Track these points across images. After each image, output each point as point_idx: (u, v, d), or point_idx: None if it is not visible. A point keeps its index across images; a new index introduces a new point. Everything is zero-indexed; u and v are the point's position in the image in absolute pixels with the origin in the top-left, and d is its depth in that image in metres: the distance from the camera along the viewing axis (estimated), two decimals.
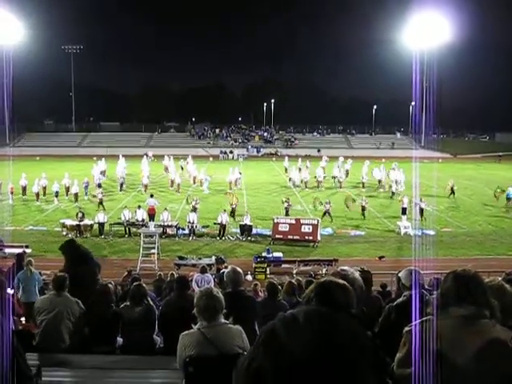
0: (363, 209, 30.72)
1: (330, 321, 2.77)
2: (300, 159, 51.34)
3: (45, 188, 36.77)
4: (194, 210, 28.55)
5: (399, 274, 5.77)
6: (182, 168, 48.15)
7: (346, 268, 3.77)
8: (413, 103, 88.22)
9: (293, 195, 38.45)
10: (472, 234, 27.72)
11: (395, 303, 5.24)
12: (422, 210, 29.44)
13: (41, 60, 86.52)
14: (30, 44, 70.34)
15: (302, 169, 45.62)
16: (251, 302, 6.87)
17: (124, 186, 41.10)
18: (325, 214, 29.68)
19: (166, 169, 47.90)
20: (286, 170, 50.78)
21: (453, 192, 36.73)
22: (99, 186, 38.36)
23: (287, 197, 32.62)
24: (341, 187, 42.05)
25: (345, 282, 3.05)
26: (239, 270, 6.98)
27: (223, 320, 4.59)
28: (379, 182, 42.51)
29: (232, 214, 29.80)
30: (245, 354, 3.01)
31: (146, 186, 40.09)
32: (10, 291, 8.03)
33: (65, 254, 8.05)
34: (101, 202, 32.56)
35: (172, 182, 41.74)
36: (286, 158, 55.51)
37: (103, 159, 46.08)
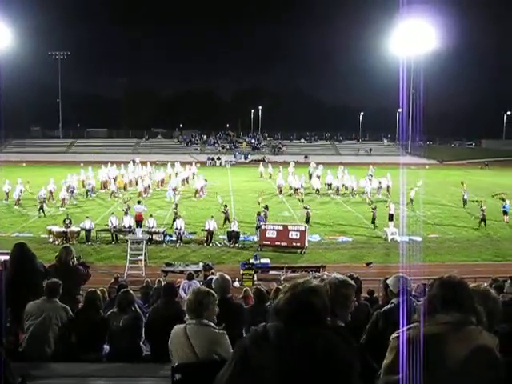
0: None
1: (302, 337, 2.70)
2: (292, 164, 51.35)
3: (32, 194, 36.73)
4: (178, 216, 28.40)
5: (387, 281, 5.77)
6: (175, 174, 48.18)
7: (336, 275, 3.78)
8: (400, 110, 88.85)
9: (281, 202, 38.58)
10: (458, 240, 27.87)
11: (383, 310, 5.25)
12: (391, 216, 29.57)
13: (28, 66, 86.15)
14: (17, 50, 70.08)
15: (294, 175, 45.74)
16: (239, 309, 6.86)
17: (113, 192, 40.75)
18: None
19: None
20: (270, 175, 51.08)
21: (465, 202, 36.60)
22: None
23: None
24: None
25: (317, 285, 2.95)
26: (227, 277, 6.96)
27: (206, 321, 4.59)
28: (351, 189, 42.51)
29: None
30: (223, 367, 2.95)
31: (143, 191, 40.67)
32: None
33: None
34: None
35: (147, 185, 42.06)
36: (269, 164, 55.89)
37: (90, 168, 45.79)
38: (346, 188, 42.77)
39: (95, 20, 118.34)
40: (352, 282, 3.95)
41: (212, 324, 4.62)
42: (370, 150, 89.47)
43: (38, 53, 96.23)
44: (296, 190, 41.68)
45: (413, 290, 5.91)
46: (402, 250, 24.26)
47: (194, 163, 54.26)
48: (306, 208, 30.91)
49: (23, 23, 75.42)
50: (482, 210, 30.34)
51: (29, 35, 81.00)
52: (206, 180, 43.22)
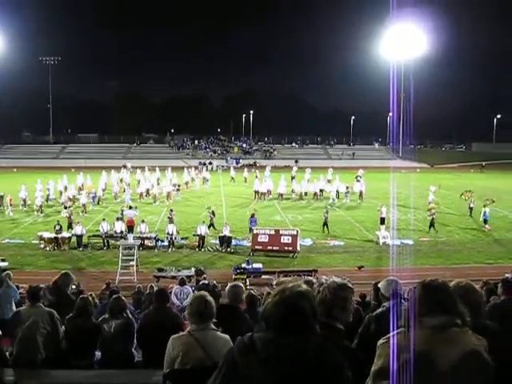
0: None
1: (290, 347, 2.68)
2: (293, 170, 51.55)
3: (25, 200, 36.98)
4: (171, 221, 28.36)
5: (378, 285, 5.78)
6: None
7: (335, 278, 3.79)
8: (390, 114, 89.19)
9: (272, 206, 38.65)
10: (450, 243, 27.96)
11: (374, 314, 5.25)
12: (383, 219, 29.59)
13: (18, 71, 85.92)
14: (8, 55, 69.87)
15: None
16: (245, 319, 6.81)
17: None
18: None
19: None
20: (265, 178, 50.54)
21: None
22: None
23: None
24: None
25: (306, 289, 2.91)
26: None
27: (213, 326, 4.61)
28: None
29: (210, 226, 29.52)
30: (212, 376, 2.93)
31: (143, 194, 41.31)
32: None
33: None
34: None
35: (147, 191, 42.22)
36: (268, 168, 56.14)
37: (81, 173, 45.65)
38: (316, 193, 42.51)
39: (85, 25, 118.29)
40: (350, 284, 3.97)
41: (216, 328, 4.65)
42: (353, 153, 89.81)
43: (29, 58, 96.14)
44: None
45: (404, 294, 5.90)
46: (393, 254, 24.30)
47: (202, 167, 55.28)
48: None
49: (13, 29, 75.25)
50: (432, 214, 30.41)
51: (19, 41, 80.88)
52: (175, 185, 43.96)
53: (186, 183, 48.57)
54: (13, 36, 73.26)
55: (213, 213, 30.48)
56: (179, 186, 45.34)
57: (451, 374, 2.81)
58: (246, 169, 57.22)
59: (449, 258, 25.09)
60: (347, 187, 42.21)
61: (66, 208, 32.01)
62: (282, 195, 42.29)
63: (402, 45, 66.86)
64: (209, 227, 28.64)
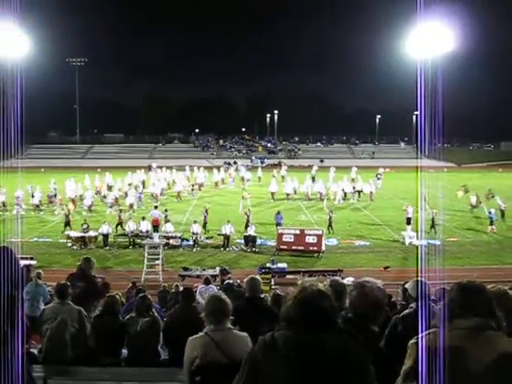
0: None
1: (310, 346, 2.70)
2: (314, 169, 51.40)
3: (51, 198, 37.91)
4: (200, 221, 28.56)
5: (406, 285, 5.74)
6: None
7: (368, 279, 3.75)
8: (416, 113, 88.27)
9: (297, 206, 38.54)
10: (477, 243, 27.60)
11: (401, 315, 5.20)
12: (433, 220, 29.25)
13: (46, 73, 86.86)
14: (35, 57, 70.64)
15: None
16: (268, 310, 6.79)
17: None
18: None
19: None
20: (282, 178, 50.18)
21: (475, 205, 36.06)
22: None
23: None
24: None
25: (325, 290, 2.93)
26: (257, 277, 7.01)
27: (230, 325, 4.60)
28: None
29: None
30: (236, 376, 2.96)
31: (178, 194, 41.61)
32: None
33: None
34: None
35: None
36: (284, 167, 56.19)
37: (107, 174, 46.03)
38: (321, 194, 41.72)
39: (111, 27, 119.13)
40: (381, 286, 3.94)
41: (233, 327, 4.64)
42: (373, 153, 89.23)
43: (56, 60, 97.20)
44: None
45: (432, 295, 5.84)
46: (421, 254, 24.04)
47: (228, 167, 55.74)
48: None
49: (41, 31, 76.17)
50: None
51: (46, 42, 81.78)
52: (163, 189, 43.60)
53: (216, 183, 48.71)
54: (40, 38, 74.07)
55: (206, 211, 30.58)
56: (193, 185, 45.53)
57: (485, 376, 2.77)
58: (259, 169, 57.14)
59: (476, 259, 24.77)
60: (354, 187, 41.89)
61: (111, 207, 32.16)
62: (307, 195, 41.88)
63: (429, 42, 66.03)
64: (204, 226, 29.11)
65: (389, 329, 5.12)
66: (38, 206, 36.26)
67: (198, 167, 51.39)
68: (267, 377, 2.70)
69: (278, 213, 30.39)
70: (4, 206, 35.83)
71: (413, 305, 5.27)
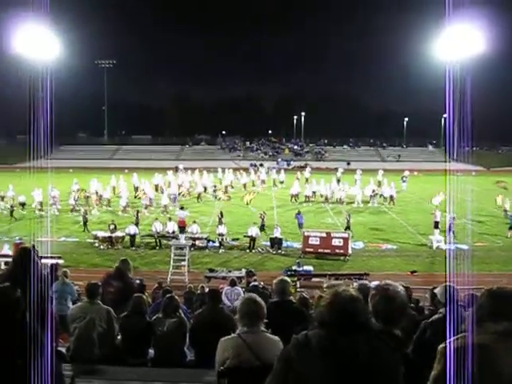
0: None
1: (345, 344, 2.75)
2: (339, 172, 51.16)
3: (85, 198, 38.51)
4: (221, 222, 28.64)
5: (435, 290, 5.67)
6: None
7: (389, 282, 3.71)
8: (445, 115, 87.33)
9: (322, 208, 38.41)
10: (506, 248, 27.18)
11: (430, 320, 5.15)
12: (437, 223, 28.96)
13: (75, 75, 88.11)
14: (65, 59, 71.70)
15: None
16: (299, 312, 6.75)
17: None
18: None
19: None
20: (306, 180, 49.62)
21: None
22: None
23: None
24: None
25: (357, 294, 3.00)
26: (287, 279, 6.98)
27: (263, 328, 4.60)
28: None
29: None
30: (269, 375, 3.00)
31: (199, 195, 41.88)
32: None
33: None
34: None
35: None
36: (308, 169, 56.07)
37: (135, 174, 46.41)
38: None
39: (139, 29, 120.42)
40: (403, 291, 3.89)
41: (266, 330, 4.64)
42: (399, 156, 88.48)
43: (85, 62, 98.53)
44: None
45: (460, 300, 5.77)
46: (449, 259, 23.73)
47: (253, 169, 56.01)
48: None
49: (71, 33, 77.26)
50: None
51: (76, 45, 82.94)
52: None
53: (244, 185, 48.87)
54: (70, 40, 75.21)
55: (221, 214, 30.62)
56: (215, 186, 45.61)
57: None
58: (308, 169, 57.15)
59: (506, 264, 24.38)
60: (373, 191, 41.50)
61: (145, 208, 32.31)
62: (341, 198, 41.51)
63: (458, 44, 65.28)
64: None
65: (417, 334, 5.08)
66: (74, 206, 36.61)
67: (228, 169, 51.88)
68: (300, 375, 2.75)
69: (299, 213, 30.96)
70: (41, 206, 36.18)
71: (442, 310, 5.21)
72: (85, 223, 30.61)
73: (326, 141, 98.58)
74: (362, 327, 2.84)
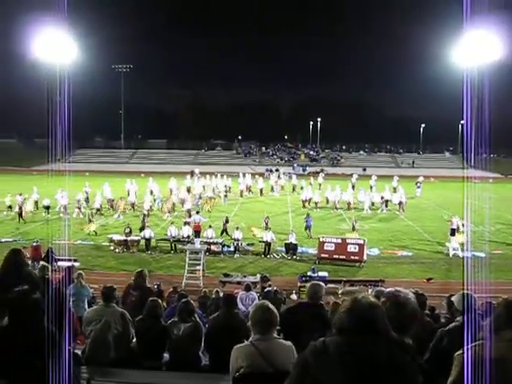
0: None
1: (362, 352, 2.73)
2: (354, 178, 50.95)
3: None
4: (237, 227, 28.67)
5: (452, 298, 5.63)
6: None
7: (400, 289, 3.68)
8: (463, 122, 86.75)
9: (336, 214, 38.31)
10: None
11: (447, 328, 5.11)
12: (453, 231, 28.60)
13: (92, 79, 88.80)
14: (82, 63, 72.40)
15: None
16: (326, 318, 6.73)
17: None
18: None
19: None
20: (319, 186, 49.29)
21: None
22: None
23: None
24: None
25: (376, 301, 3.01)
26: (321, 283, 6.96)
27: (275, 335, 4.60)
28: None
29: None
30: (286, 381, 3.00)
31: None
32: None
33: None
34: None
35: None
36: (321, 175, 56.14)
37: (151, 179, 46.62)
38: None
39: (156, 33, 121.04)
40: (413, 298, 3.86)
41: (278, 336, 4.64)
42: (413, 162, 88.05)
43: (102, 66, 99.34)
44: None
45: (478, 308, 5.71)
46: (466, 266, 23.51)
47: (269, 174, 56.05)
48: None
49: (88, 38, 77.99)
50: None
51: (93, 49, 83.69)
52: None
53: (261, 190, 48.99)
54: (87, 45, 75.96)
55: (226, 220, 30.61)
56: (226, 191, 45.79)
57: None
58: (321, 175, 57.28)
59: None
60: (382, 197, 41.21)
61: (169, 212, 32.46)
62: (349, 204, 41.01)
63: (476, 51, 64.85)
64: (221, 233, 29.19)
65: (434, 342, 5.04)
66: (98, 209, 36.84)
67: (248, 174, 52.37)
68: (317, 381, 2.73)
69: (308, 215, 31.76)
70: (65, 209, 36.45)
71: (459, 318, 5.16)
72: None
73: (344, 146, 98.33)
74: (381, 334, 2.82)
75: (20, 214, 34.29)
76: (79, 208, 36.79)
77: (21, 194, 37.30)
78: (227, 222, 30.52)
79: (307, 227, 30.68)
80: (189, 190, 43.93)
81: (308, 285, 6.97)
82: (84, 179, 46.19)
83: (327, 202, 41.51)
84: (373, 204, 40.78)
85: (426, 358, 4.76)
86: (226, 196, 44.53)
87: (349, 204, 40.60)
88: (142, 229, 28.90)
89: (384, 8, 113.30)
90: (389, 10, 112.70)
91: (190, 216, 31.91)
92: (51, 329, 4.04)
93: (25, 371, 3.88)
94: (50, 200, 37.00)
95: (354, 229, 30.48)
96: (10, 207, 37.15)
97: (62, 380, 3.86)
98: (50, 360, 3.82)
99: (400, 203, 40.21)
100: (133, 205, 38.82)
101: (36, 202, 38.37)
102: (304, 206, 40.82)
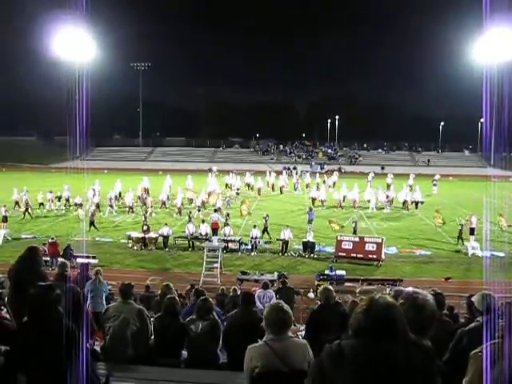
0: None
1: (379, 354, 2.70)
2: (370, 176, 50.67)
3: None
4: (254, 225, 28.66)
5: (472, 298, 5.57)
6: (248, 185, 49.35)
7: (418, 290, 3.65)
8: (482, 120, 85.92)
9: (353, 213, 38.12)
10: None
11: (467, 328, 5.06)
12: (460, 231, 28.44)
13: (111, 77, 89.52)
14: (101, 61, 72.95)
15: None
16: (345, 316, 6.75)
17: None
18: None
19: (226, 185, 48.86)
20: (334, 184, 49.27)
21: None
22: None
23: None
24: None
25: (394, 301, 2.96)
26: (330, 287, 7.06)
27: (290, 334, 4.59)
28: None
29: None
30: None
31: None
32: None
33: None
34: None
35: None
36: (336, 173, 56.01)
37: (168, 176, 46.79)
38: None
39: (175, 32, 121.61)
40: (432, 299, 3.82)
41: (293, 335, 4.63)
42: (428, 160, 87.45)
43: (121, 64, 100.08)
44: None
45: (498, 308, 5.65)
46: (485, 266, 23.29)
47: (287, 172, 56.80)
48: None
49: (107, 36, 78.58)
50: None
51: (112, 47, 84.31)
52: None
53: (281, 188, 49.16)
54: (106, 43, 76.59)
55: (266, 218, 30.30)
56: (238, 189, 45.88)
57: None
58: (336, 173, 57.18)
59: None
60: (388, 196, 40.90)
61: (199, 211, 32.57)
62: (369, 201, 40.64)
63: (496, 49, 64.11)
64: (263, 232, 28.86)
65: (453, 342, 4.99)
66: (131, 207, 37.07)
67: (272, 171, 52.59)
68: (334, 383, 2.71)
69: (310, 209, 32.65)
70: (98, 207, 36.76)
71: (479, 318, 5.11)
72: (91, 223, 31.00)
73: (364, 145, 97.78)
74: (398, 335, 2.79)
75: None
76: (111, 206, 37.21)
77: (51, 192, 37.82)
78: (228, 216, 30.59)
79: (309, 221, 31.18)
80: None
81: (319, 290, 7.09)
82: (102, 177, 46.49)
83: (343, 200, 41.16)
84: (391, 202, 40.47)
85: (446, 358, 4.72)
86: (237, 194, 44.65)
87: (354, 202, 40.50)
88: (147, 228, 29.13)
89: (405, 8, 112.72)
90: (410, 10, 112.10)
91: (215, 211, 31.80)
92: (70, 325, 4.08)
93: (43, 367, 3.91)
94: (82, 198, 37.50)
95: (354, 232, 29.51)
96: (41, 204, 37.85)
97: (81, 376, 3.89)
98: (69, 356, 3.85)
99: (405, 202, 39.98)
100: (163, 202, 39.09)
101: (67, 200, 39.02)
102: (314, 204, 40.52)
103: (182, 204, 37.37)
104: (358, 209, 39.31)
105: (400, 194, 40.93)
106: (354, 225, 30.33)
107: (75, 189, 38.70)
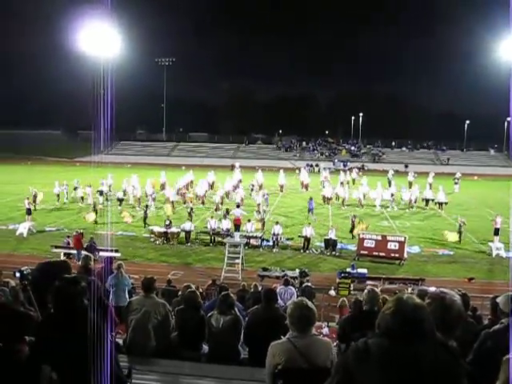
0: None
1: (406, 354, 2.69)
2: (390, 174, 50.28)
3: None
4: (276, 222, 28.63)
5: (497, 300, 5.49)
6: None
7: (445, 290, 3.61)
8: (508, 119, 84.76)
9: (379, 212, 37.90)
10: None
11: (492, 329, 4.99)
12: (497, 230, 28.06)
13: (135, 72, 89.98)
14: (126, 56, 73.42)
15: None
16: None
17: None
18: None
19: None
20: (353, 181, 49.78)
21: None
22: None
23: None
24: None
25: (421, 302, 2.95)
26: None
27: (314, 332, 4.58)
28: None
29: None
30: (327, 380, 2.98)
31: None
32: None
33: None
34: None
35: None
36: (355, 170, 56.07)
37: (191, 171, 46.98)
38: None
39: (200, 27, 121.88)
40: (459, 300, 3.78)
41: (316, 333, 4.62)
42: (448, 159, 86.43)
43: (145, 59, 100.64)
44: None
45: None
46: (511, 267, 22.98)
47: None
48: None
49: (132, 31, 79.05)
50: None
51: (137, 42, 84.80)
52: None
53: (306, 185, 49.17)
54: (131, 38, 77.04)
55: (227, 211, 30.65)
56: (253, 185, 45.67)
57: None
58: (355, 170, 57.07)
59: None
60: (392, 194, 40.45)
61: (238, 207, 32.84)
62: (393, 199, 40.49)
63: None
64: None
65: (477, 344, 4.93)
66: (172, 202, 36.96)
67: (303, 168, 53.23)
68: (357, 382, 2.69)
69: (311, 199, 34.33)
70: (139, 201, 37.32)
71: (504, 320, 5.03)
72: (144, 219, 31.25)
73: (392, 142, 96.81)
74: (426, 336, 2.77)
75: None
76: (154, 199, 37.66)
77: (90, 186, 38.31)
78: (228, 213, 30.51)
79: (309, 210, 32.01)
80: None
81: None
82: (125, 171, 46.81)
83: (364, 197, 40.87)
84: (415, 201, 40.08)
85: (469, 360, 4.67)
86: (252, 190, 44.57)
87: (360, 200, 40.06)
88: (144, 219, 30.26)
89: (432, 7, 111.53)
90: (437, 9, 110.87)
91: (237, 207, 31.79)
92: (94, 317, 4.12)
93: (68, 359, 3.95)
94: (123, 192, 38.14)
95: (351, 231, 29.36)
96: (82, 198, 38.45)
97: (105, 368, 3.93)
98: (94, 349, 3.89)
99: (410, 201, 39.61)
100: (202, 197, 39.28)
101: (105, 194, 39.57)
102: (324, 201, 40.45)
103: (222, 199, 37.75)
104: (381, 208, 38.94)
105: (425, 193, 40.67)
106: (351, 221, 29.89)
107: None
